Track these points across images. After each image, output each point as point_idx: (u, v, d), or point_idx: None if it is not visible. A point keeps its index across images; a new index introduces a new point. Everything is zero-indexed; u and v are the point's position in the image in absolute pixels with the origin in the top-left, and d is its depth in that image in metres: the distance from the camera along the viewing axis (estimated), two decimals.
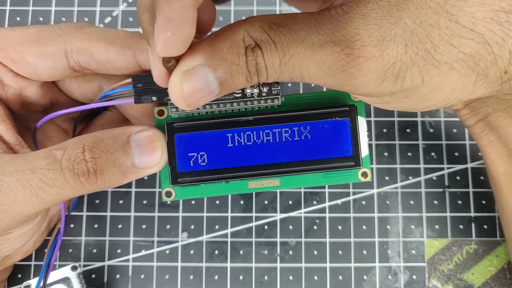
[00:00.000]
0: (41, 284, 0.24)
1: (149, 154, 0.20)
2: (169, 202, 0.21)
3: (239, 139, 0.21)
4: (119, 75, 0.23)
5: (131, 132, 0.20)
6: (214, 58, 0.17)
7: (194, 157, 0.21)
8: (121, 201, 0.29)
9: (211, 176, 0.21)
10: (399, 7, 0.17)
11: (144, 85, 0.20)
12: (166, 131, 0.21)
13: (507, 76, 0.18)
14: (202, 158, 0.21)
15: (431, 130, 0.30)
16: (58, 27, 0.22)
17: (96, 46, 0.21)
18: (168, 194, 0.21)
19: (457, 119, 0.30)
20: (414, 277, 0.28)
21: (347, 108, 0.21)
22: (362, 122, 0.21)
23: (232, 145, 0.21)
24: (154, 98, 0.20)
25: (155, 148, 0.20)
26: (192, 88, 0.17)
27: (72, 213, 0.29)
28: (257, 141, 0.21)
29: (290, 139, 0.21)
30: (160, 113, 0.21)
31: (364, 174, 0.22)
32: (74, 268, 0.26)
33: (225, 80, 0.17)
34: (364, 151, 0.21)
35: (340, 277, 0.28)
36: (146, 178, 0.29)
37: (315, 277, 0.28)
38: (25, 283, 0.25)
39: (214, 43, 0.17)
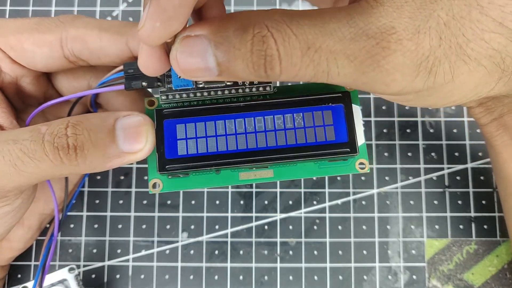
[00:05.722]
0: (37, 287, 0.23)
1: (134, 139, 0.19)
2: (150, 192, 0.20)
3: (230, 126, 0.20)
4: (108, 72, 0.23)
5: (118, 115, 0.19)
6: (218, 34, 0.16)
7: (183, 144, 0.20)
8: (121, 201, 0.29)
9: (200, 163, 0.20)
10: None
11: (135, 71, 0.20)
12: (155, 118, 0.20)
13: None
14: (191, 145, 0.20)
15: (431, 130, 0.30)
16: (57, 18, 0.22)
17: (90, 34, 0.21)
18: (155, 186, 0.21)
19: (457, 119, 0.30)
20: (414, 277, 0.28)
21: (341, 95, 0.20)
22: (356, 110, 0.21)
23: (222, 132, 0.20)
24: (144, 84, 0.20)
25: (141, 132, 0.19)
26: (187, 54, 0.16)
27: (72, 213, 0.29)
28: (248, 128, 0.20)
29: (283, 126, 0.20)
30: (151, 103, 0.21)
31: (362, 165, 0.21)
32: (71, 270, 0.26)
33: (223, 62, 0.16)
34: (360, 139, 0.21)
35: (340, 277, 0.28)
36: (146, 177, 0.29)
37: (315, 277, 0.28)
38: (23, 285, 0.25)
39: (225, 20, 0.16)
